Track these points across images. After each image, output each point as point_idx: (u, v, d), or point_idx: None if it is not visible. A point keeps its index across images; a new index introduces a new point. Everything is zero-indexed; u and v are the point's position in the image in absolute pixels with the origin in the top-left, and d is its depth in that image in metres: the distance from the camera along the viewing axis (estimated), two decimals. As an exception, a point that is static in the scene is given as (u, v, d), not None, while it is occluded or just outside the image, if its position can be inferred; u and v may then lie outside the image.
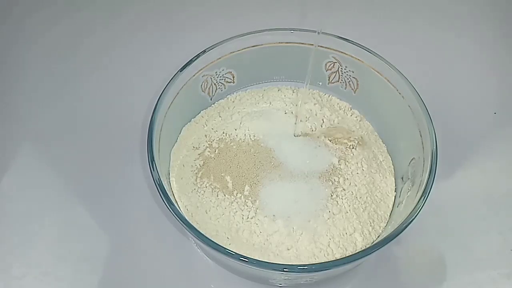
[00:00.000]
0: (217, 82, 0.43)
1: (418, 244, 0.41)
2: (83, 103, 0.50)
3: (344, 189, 0.39)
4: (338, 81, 0.44)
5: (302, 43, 0.42)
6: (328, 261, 0.34)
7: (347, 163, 0.40)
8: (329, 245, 0.36)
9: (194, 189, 0.39)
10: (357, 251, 0.32)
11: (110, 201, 0.43)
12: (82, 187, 0.44)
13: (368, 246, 0.36)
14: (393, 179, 0.41)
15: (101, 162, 0.46)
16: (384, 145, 0.43)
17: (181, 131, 0.42)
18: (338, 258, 0.35)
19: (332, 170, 0.40)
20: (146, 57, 0.53)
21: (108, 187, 0.44)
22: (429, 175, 0.34)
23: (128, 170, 0.45)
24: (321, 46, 0.41)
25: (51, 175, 0.45)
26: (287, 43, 0.42)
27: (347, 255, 0.34)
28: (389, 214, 0.39)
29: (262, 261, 0.31)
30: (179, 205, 0.37)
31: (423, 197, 0.33)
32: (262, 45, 0.41)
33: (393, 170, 0.41)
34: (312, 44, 0.40)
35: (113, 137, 0.47)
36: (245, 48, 0.41)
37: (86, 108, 0.50)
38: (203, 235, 0.32)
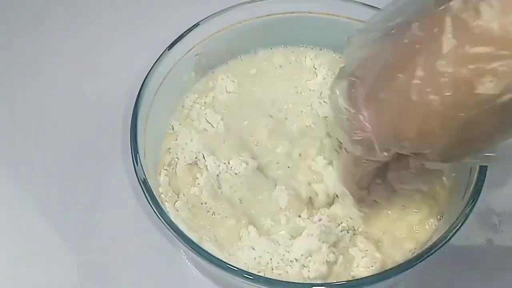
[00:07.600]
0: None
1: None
2: (54, 90, 0.47)
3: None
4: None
5: (309, 12, 0.41)
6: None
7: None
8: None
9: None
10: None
11: (85, 205, 0.41)
12: (51, 189, 0.42)
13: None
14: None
15: (75, 159, 0.44)
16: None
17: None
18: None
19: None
20: (127, 34, 0.51)
21: (84, 188, 0.42)
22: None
23: (108, 167, 0.43)
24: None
25: (13, 176, 0.43)
26: (292, 12, 0.41)
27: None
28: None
29: (272, 279, 0.29)
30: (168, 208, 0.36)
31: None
32: (263, 16, 0.40)
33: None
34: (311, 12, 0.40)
35: (90, 131, 0.45)
36: (245, 21, 0.40)
37: (56, 96, 0.47)
38: (197, 245, 0.29)
